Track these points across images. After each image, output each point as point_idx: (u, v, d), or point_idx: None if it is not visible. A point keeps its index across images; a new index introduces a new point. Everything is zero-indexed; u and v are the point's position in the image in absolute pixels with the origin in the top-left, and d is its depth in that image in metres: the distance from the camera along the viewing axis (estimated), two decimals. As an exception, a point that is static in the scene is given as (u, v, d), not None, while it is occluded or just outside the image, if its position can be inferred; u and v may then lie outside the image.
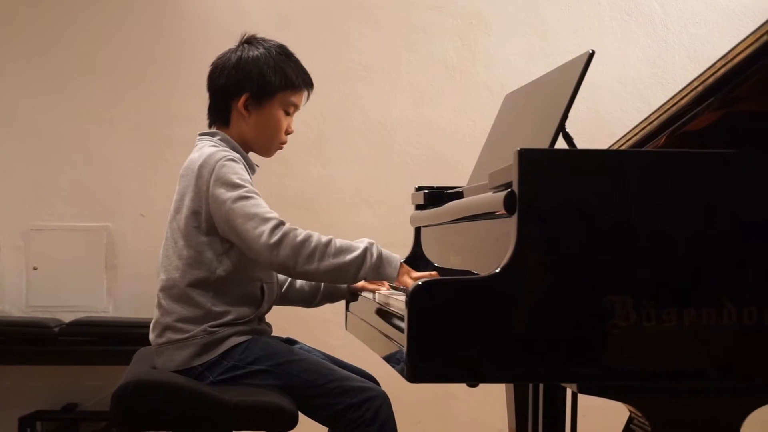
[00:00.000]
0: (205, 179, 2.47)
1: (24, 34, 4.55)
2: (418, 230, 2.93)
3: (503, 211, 1.85)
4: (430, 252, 2.82)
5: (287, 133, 2.67)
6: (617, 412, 2.24)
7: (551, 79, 2.37)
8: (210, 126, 2.69)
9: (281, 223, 2.39)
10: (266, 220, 2.39)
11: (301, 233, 2.38)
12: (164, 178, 4.45)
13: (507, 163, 1.88)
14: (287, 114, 2.65)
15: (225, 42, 2.77)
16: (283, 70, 2.62)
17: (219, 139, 2.61)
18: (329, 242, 2.39)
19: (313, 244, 2.37)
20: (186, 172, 2.55)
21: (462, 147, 4.49)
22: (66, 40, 4.55)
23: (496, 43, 4.60)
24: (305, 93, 2.68)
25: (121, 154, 4.53)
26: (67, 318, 4.33)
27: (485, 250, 2.18)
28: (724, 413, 1.90)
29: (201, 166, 2.49)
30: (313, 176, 4.55)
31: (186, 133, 4.38)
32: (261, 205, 2.43)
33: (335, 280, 2.52)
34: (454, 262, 2.51)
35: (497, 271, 1.79)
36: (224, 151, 2.53)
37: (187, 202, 2.50)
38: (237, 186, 2.44)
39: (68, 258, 4.49)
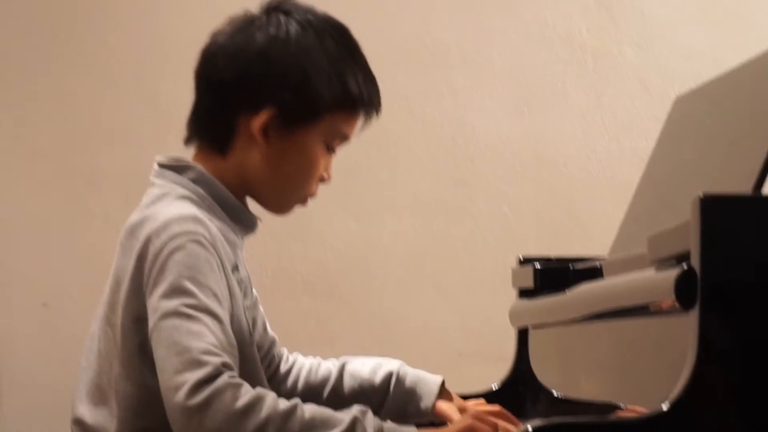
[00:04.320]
0: (149, 263, 1.64)
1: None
2: (523, 333, 2.30)
3: (673, 303, 1.41)
4: (543, 370, 2.24)
5: (321, 180, 1.82)
6: None
7: (751, 76, 1.90)
8: (186, 142, 1.79)
9: (218, 375, 1.56)
10: (197, 363, 1.56)
11: (245, 395, 1.57)
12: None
13: (680, 217, 1.42)
14: (329, 149, 1.80)
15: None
16: (342, 75, 1.73)
17: (191, 180, 1.74)
18: (291, 412, 1.58)
19: (262, 416, 1.56)
20: (126, 242, 1.70)
21: (590, 181, 3.32)
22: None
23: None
24: (362, 116, 1.80)
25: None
26: None
27: (639, 367, 1.73)
28: None
29: (148, 240, 1.64)
30: (340, 237, 3.38)
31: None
32: (203, 335, 1.58)
33: None
34: (586, 390, 2.01)
35: (664, 408, 1.36)
36: (192, 221, 1.65)
37: (123, 296, 1.67)
38: (182, 292, 1.59)
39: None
